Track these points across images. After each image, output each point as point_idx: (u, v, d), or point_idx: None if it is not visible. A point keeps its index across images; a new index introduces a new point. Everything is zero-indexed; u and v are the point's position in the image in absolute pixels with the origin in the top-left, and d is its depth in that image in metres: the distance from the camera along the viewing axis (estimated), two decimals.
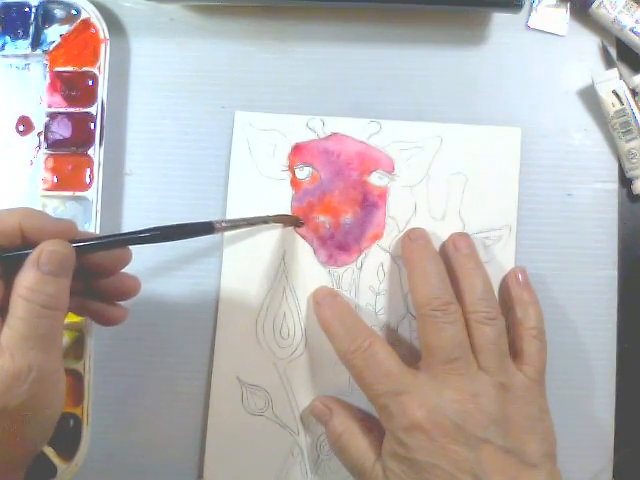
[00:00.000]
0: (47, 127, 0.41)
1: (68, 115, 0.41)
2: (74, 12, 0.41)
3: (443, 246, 0.39)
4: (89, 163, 0.41)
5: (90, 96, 0.41)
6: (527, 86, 0.42)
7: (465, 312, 0.36)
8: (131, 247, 0.41)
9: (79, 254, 0.31)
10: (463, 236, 0.39)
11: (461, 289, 0.37)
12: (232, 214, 0.41)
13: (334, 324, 0.38)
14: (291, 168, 0.41)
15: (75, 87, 0.41)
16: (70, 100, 0.41)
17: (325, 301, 0.39)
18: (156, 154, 0.42)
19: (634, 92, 0.40)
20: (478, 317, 0.35)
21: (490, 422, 0.33)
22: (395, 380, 0.34)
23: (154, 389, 0.41)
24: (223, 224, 0.37)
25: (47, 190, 0.41)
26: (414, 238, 0.38)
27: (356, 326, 0.37)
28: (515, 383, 0.35)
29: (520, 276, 0.39)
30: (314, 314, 0.40)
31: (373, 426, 0.37)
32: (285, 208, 0.41)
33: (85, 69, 0.41)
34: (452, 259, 0.38)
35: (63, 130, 0.41)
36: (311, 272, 0.40)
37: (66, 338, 0.40)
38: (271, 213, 0.40)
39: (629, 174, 0.40)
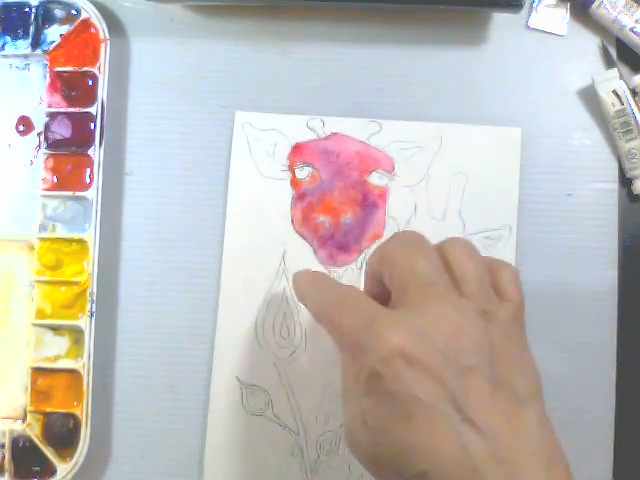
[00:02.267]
0: (47, 127, 0.41)
1: (68, 115, 0.41)
2: (74, 12, 0.41)
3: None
4: (89, 163, 0.41)
5: (90, 96, 0.41)
6: (527, 86, 0.42)
7: (444, 253, 0.32)
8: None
9: None
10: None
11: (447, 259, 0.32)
12: (232, 214, 0.41)
13: (306, 288, 0.35)
14: (291, 168, 0.41)
15: (75, 87, 0.41)
16: (70, 100, 0.41)
17: (297, 276, 0.36)
18: (156, 154, 0.42)
19: (634, 92, 0.40)
20: (457, 251, 0.32)
21: (476, 349, 0.29)
22: (367, 313, 0.30)
23: (154, 389, 0.41)
24: None
25: (47, 190, 0.41)
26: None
27: (326, 281, 0.34)
28: (499, 313, 0.31)
29: None
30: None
31: None
32: (285, 208, 0.41)
33: (85, 69, 0.41)
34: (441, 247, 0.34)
35: (63, 130, 0.41)
36: None
37: (66, 338, 0.40)
38: (271, 213, 0.41)
39: (629, 174, 0.40)
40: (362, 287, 0.39)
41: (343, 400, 0.32)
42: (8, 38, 0.42)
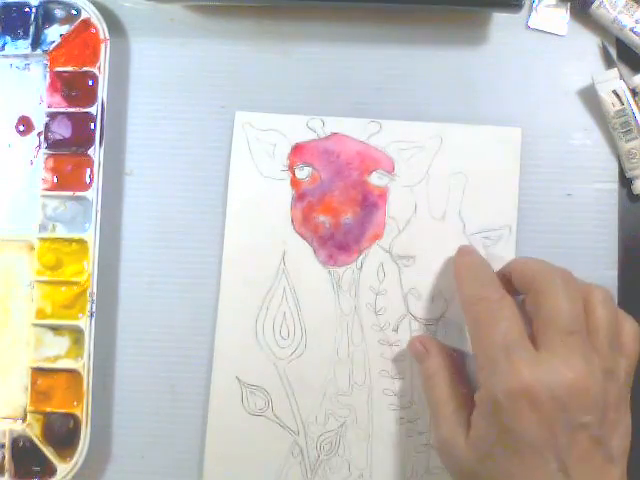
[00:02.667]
0: (47, 127, 0.41)
1: (68, 115, 0.41)
2: (74, 12, 0.41)
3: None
4: (89, 163, 0.41)
5: (90, 96, 0.41)
6: (527, 86, 0.42)
7: (586, 297, 0.34)
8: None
9: None
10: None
11: None
12: (232, 214, 0.41)
13: (465, 269, 0.37)
14: (291, 168, 0.41)
15: (75, 87, 0.41)
16: (70, 100, 0.41)
17: (464, 251, 0.38)
18: (156, 154, 0.42)
19: (634, 92, 0.40)
20: (596, 299, 0.34)
21: (593, 408, 0.31)
22: (513, 338, 0.32)
23: (154, 389, 0.41)
24: None
25: (47, 190, 0.41)
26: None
27: (490, 278, 0.36)
28: (619, 371, 0.33)
29: None
30: (314, 314, 0.40)
31: (464, 378, 0.36)
32: (285, 208, 0.41)
33: (85, 69, 0.41)
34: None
35: (63, 130, 0.41)
36: (311, 272, 0.40)
37: (66, 338, 0.40)
38: (271, 213, 0.41)
39: (629, 174, 0.40)
40: (362, 287, 0.40)
41: (439, 401, 0.35)
42: (8, 38, 0.42)
